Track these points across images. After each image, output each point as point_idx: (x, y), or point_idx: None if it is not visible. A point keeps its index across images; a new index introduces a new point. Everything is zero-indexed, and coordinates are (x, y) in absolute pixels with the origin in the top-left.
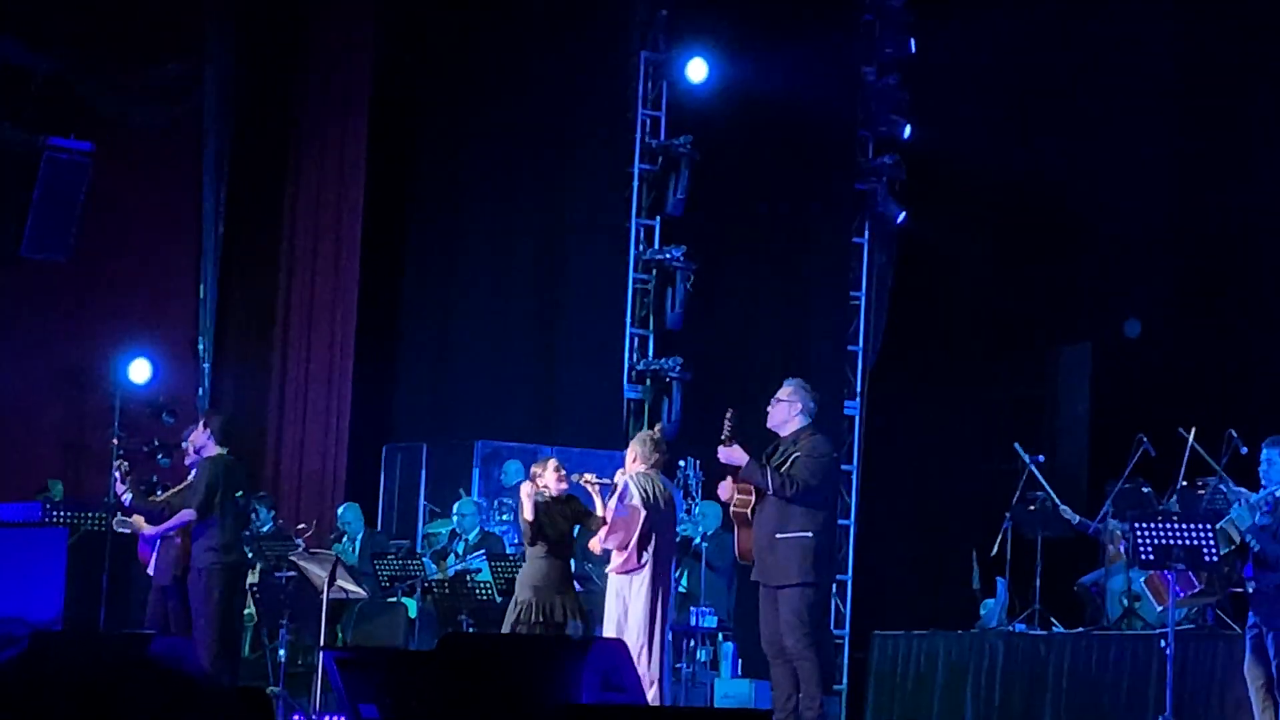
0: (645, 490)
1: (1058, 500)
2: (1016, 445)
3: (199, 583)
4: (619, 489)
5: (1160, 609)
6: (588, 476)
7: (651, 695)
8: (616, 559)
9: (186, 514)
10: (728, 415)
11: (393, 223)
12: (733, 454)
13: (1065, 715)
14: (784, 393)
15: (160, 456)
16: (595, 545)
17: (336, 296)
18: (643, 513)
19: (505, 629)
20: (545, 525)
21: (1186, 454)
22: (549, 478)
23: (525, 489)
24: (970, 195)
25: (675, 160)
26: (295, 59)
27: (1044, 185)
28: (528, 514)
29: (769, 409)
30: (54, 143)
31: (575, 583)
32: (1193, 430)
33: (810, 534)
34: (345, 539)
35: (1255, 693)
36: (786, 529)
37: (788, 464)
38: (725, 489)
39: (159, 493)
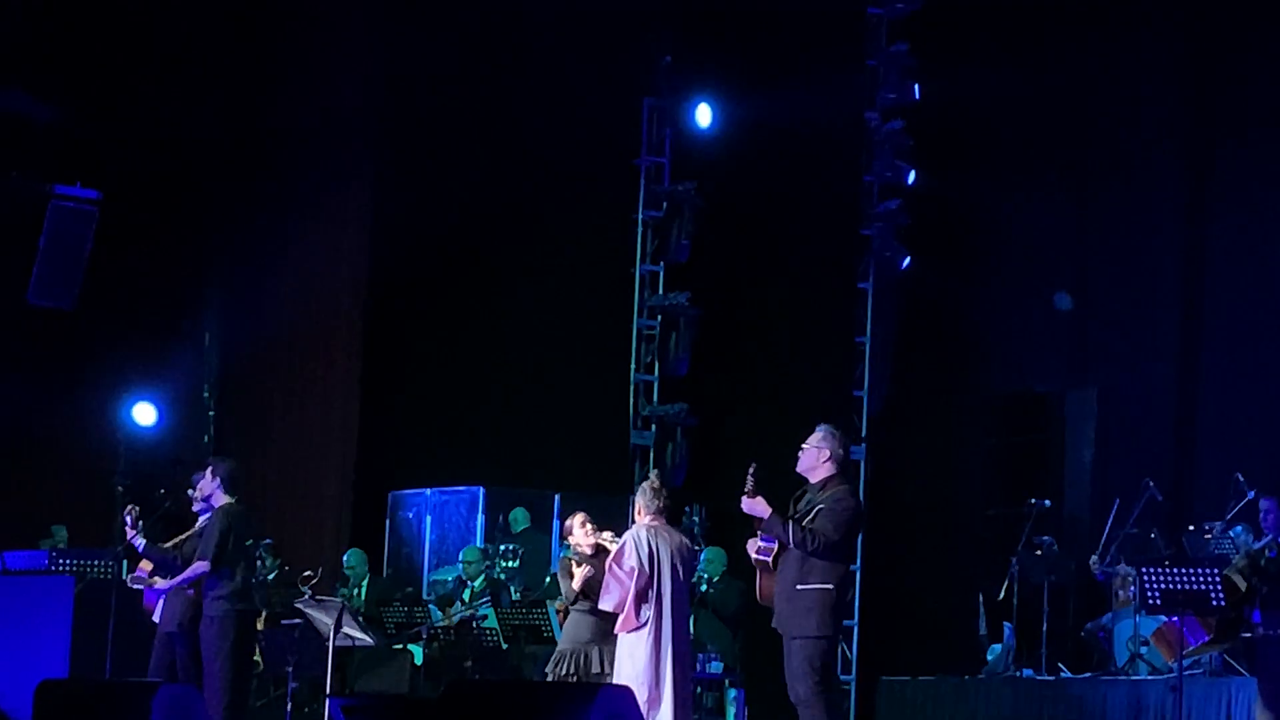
0: (649, 545)
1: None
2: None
3: (211, 630)
4: (616, 549)
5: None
6: (604, 535)
7: None
8: (619, 619)
9: (201, 566)
10: (750, 470)
11: (398, 268)
12: (756, 506)
13: None
14: (814, 439)
15: (167, 503)
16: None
17: (342, 342)
18: (639, 572)
19: (548, 677)
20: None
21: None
22: (578, 535)
23: (572, 563)
24: (975, 239)
25: (680, 206)
26: (299, 100)
27: (1049, 229)
28: (576, 586)
29: (799, 453)
30: (61, 191)
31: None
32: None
33: (830, 586)
34: (351, 585)
35: None
36: (808, 580)
37: (811, 515)
38: (751, 548)
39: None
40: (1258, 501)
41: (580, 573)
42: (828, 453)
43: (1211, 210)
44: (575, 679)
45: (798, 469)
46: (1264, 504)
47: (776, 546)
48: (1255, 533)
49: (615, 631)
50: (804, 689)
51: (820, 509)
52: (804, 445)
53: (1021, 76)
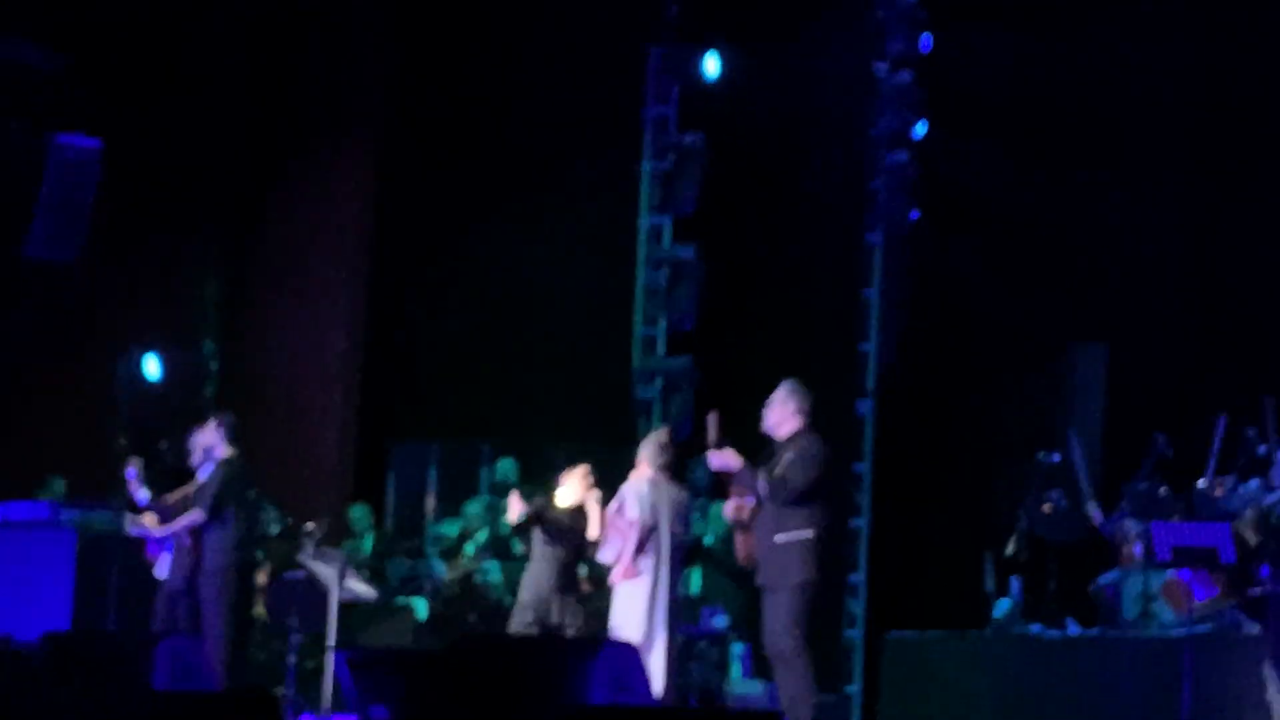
0: (649, 498)
1: (1089, 493)
2: (1071, 431)
3: (210, 584)
4: (616, 500)
5: (1179, 616)
6: (592, 494)
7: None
8: (615, 568)
9: (196, 514)
10: (709, 418)
11: (402, 220)
12: (725, 459)
13: (1081, 717)
14: (777, 395)
15: (168, 456)
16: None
17: (345, 293)
18: (639, 523)
19: (511, 629)
20: (558, 527)
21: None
22: (572, 485)
23: (514, 495)
24: (984, 193)
25: (687, 157)
26: (306, 51)
27: (1059, 182)
28: (512, 518)
29: (765, 413)
30: (62, 140)
31: (580, 586)
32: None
33: (810, 533)
34: (355, 538)
35: (1275, 694)
36: (785, 530)
37: (780, 466)
38: (730, 509)
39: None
40: (1270, 456)
41: (517, 508)
42: (793, 406)
43: (1223, 161)
44: (535, 630)
45: (764, 427)
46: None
47: (754, 503)
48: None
49: (611, 580)
50: (786, 644)
51: (789, 458)
52: (768, 403)
53: (1032, 29)
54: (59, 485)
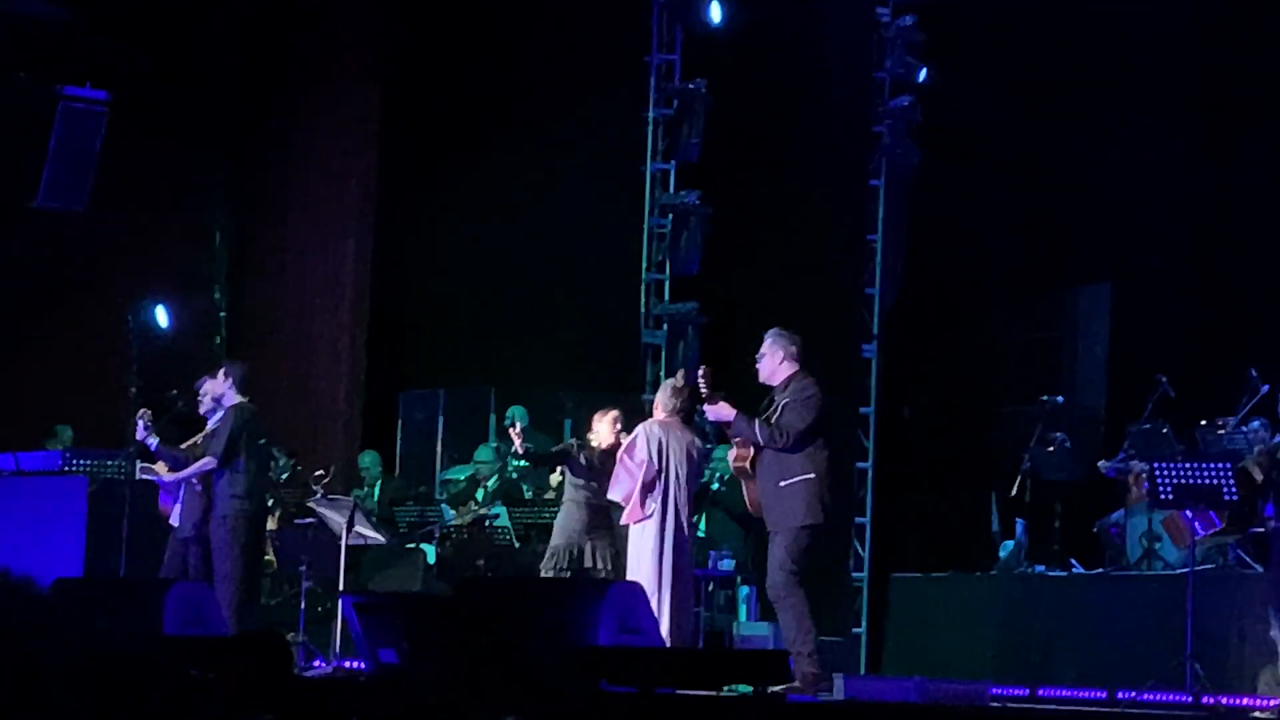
0: (659, 440)
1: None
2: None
3: (221, 529)
4: (629, 440)
5: (1180, 550)
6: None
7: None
8: (625, 510)
9: (208, 461)
10: (700, 373)
11: (408, 167)
12: (720, 410)
13: (1085, 656)
14: (765, 346)
15: (179, 404)
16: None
17: (352, 242)
18: (646, 464)
19: (543, 573)
20: (592, 471)
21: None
22: (603, 428)
23: (512, 432)
24: (987, 137)
25: (690, 104)
26: (308, 5)
27: (1062, 126)
28: (518, 448)
29: (756, 366)
30: (69, 92)
31: (613, 528)
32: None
33: (813, 475)
34: (365, 485)
35: (1278, 631)
36: (789, 475)
37: (777, 413)
38: (732, 458)
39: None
40: (1273, 395)
41: (518, 439)
42: (781, 353)
43: (1225, 102)
44: (569, 574)
45: (760, 380)
46: None
47: (751, 451)
48: (1272, 428)
49: (621, 522)
50: (781, 576)
51: (785, 403)
52: (758, 356)
53: None
54: (67, 434)
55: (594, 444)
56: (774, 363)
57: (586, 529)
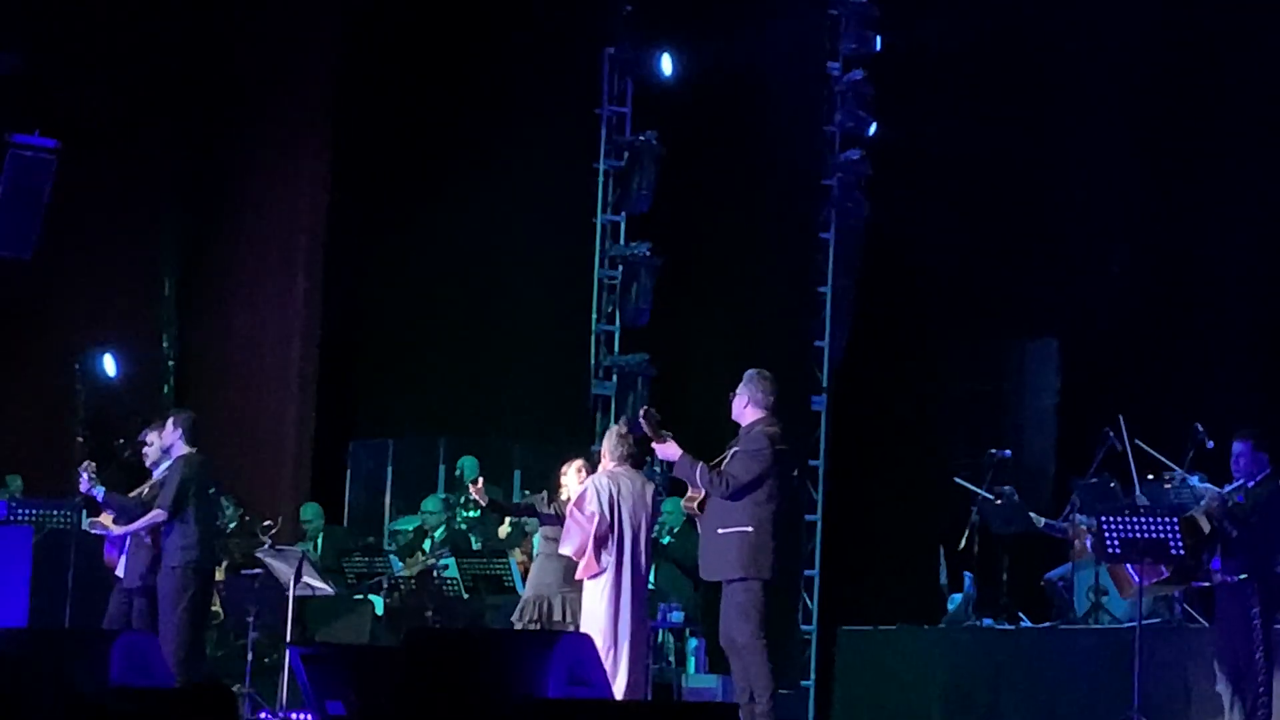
0: (609, 491)
1: (1030, 514)
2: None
3: (169, 580)
4: (579, 493)
5: (1127, 601)
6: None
7: (617, 692)
8: (580, 565)
9: (158, 514)
10: (642, 414)
11: (358, 219)
12: (667, 450)
13: (1032, 710)
14: (741, 386)
15: (126, 453)
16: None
17: (301, 292)
18: (598, 517)
19: (515, 625)
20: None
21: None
22: (570, 479)
23: (474, 489)
24: (936, 190)
25: (641, 155)
26: (257, 53)
27: (1011, 179)
28: (480, 500)
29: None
30: (18, 140)
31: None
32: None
33: (750, 528)
34: (307, 538)
35: (1224, 685)
36: (727, 524)
37: (726, 459)
38: (685, 500)
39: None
40: (1227, 447)
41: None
42: (745, 398)
43: (1174, 159)
44: (538, 625)
45: (733, 417)
46: (1237, 446)
47: (703, 493)
48: (1215, 482)
49: (576, 577)
50: (741, 635)
51: (735, 451)
52: (734, 392)
53: (981, 26)
54: (16, 483)
55: (563, 496)
56: (740, 405)
57: (560, 582)
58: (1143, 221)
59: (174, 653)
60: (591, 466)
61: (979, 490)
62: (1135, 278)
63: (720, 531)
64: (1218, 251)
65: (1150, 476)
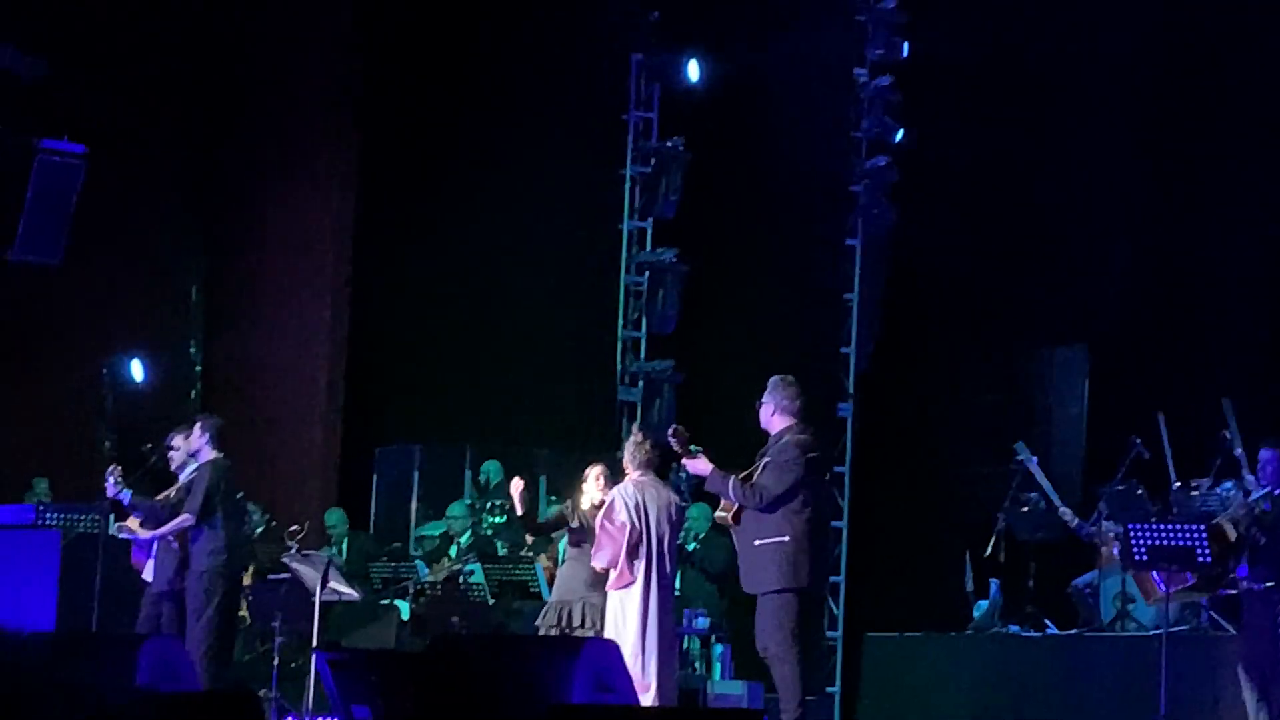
0: (636, 500)
1: (1059, 503)
2: (1019, 445)
3: (198, 585)
4: (605, 505)
5: (1153, 609)
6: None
7: (648, 701)
8: (611, 576)
9: (185, 519)
10: (671, 432)
11: (384, 224)
12: (697, 465)
13: (1058, 717)
14: (766, 394)
15: (153, 459)
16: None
17: (328, 298)
18: (628, 527)
19: (539, 629)
20: (586, 531)
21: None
22: (590, 486)
23: (514, 486)
24: (964, 196)
25: (668, 162)
26: (285, 59)
27: (1038, 186)
28: (518, 509)
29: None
30: (47, 145)
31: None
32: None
33: (787, 538)
34: (332, 544)
35: (1249, 693)
36: (764, 535)
37: (758, 470)
38: (719, 512)
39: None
40: (1256, 453)
41: (519, 500)
42: (772, 405)
43: (1203, 167)
44: (556, 631)
45: (761, 426)
46: (1264, 455)
47: (736, 505)
48: (1244, 491)
49: (608, 588)
50: (774, 645)
51: (766, 462)
52: (760, 400)
53: (1008, 32)
54: (43, 486)
55: (583, 504)
56: (766, 413)
57: (583, 587)
58: (1171, 228)
59: (201, 657)
60: (613, 472)
61: (1025, 454)
62: (1164, 285)
63: (757, 543)
64: (1247, 258)
65: (1177, 484)
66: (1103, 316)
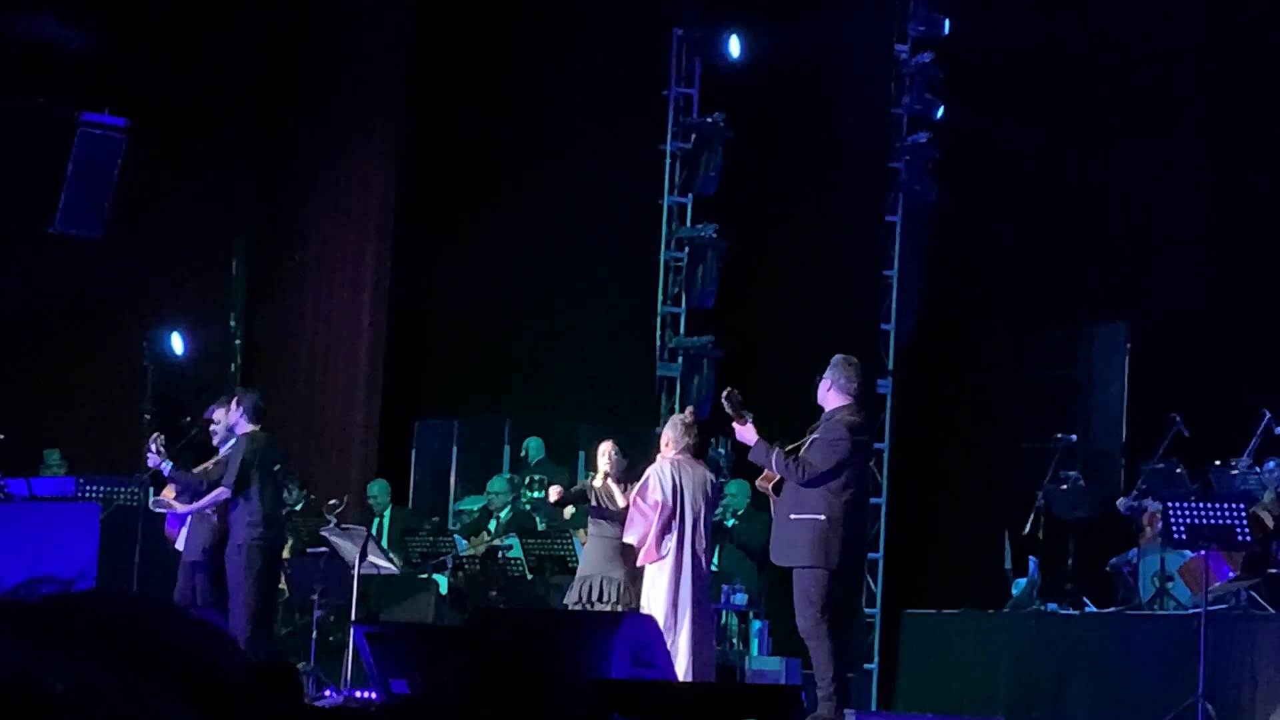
0: (673, 479)
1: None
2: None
3: (238, 557)
4: (641, 482)
5: (1196, 596)
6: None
7: (678, 676)
8: (641, 551)
9: (222, 492)
10: (725, 395)
11: (425, 198)
12: (745, 433)
13: (1097, 696)
14: (828, 370)
15: (194, 431)
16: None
17: (368, 273)
18: (662, 505)
19: (566, 604)
20: (599, 506)
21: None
22: (603, 460)
23: (553, 494)
24: (1005, 173)
25: (708, 137)
26: (330, 36)
27: (1079, 162)
28: (552, 498)
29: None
30: (88, 118)
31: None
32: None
33: (823, 516)
34: (375, 515)
35: None
36: (800, 510)
37: (807, 445)
38: (760, 480)
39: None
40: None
41: (554, 491)
42: (829, 383)
43: (1243, 141)
44: (580, 607)
45: (817, 400)
46: None
47: (778, 476)
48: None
49: (639, 564)
50: (804, 621)
51: (814, 439)
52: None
53: (1048, 7)
54: (53, 457)
55: (596, 483)
56: (824, 388)
57: (604, 562)
58: (1213, 204)
59: (242, 629)
60: (651, 449)
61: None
62: (1205, 262)
63: (793, 517)
64: None
65: (1217, 463)
66: (1143, 294)
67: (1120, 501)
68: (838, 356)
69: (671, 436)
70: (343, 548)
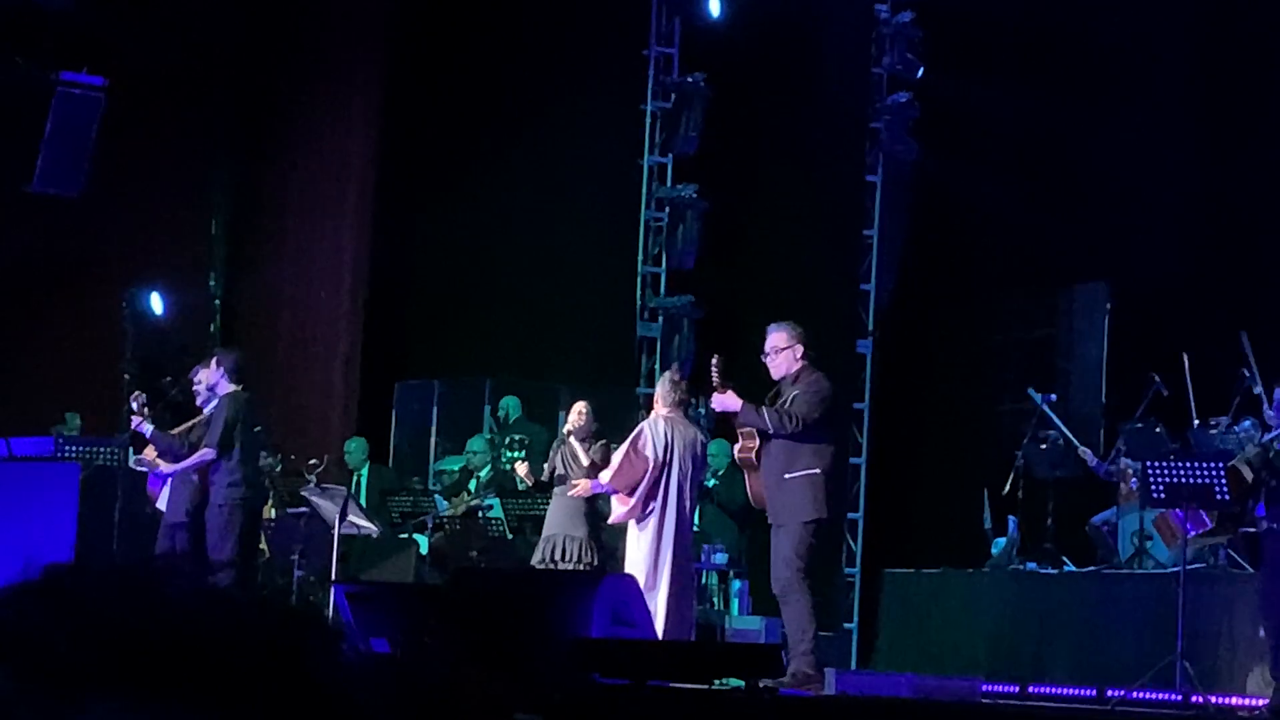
0: (665, 436)
1: (1077, 443)
2: (1030, 390)
3: (218, 518)
4: (635, 432)
5: (1171, 549)
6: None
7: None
8: (618, 507)
9: (207, 453)
10: (714, 361)
11: (405, 159)
12: (727, 400)
13: (1076, 653)
14: (774, 339)
15: (174, 391)
16: (584, 487)
17: (349, 233)
18: (652, 463)
19: (535, 564)
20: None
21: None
22: (574, 415)
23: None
24: (985, 132)
25: (688, 97)
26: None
27: (1060, 121)
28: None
29: (767, 361)
30: (67, 77)
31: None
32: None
33: (818, 470)
34: (351, 472)
35: (1267, 632)
36: (794, 468)
37: (788, 402)
38: (736, 450)
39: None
40: (1271, 393)
41: (526, 474)
42: (784, 347)
43: (1225, 100)
44: (544, 566)
45: (774, 377)
46: (1278, 394)
47: (757, 442)
48: (1261, 427)
49: (611, 520)
50: (788, 573)
51: (796, 394)
52: (771, 351)
53: None
54: (75, 421)
55: (566, 431)
56: (777, 359)
57: (567, 519)
58: (1194, 164)
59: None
60: (629, 409)
61: (1037, 398)
62: (1186, 222)
63: (787, 477)
64: (1269, 195)
65: (1196, 422)
66: (1124, 253)
67: (1090, 458)
68: (783, 324)
69: (661, 393)
70: (323, 507)
